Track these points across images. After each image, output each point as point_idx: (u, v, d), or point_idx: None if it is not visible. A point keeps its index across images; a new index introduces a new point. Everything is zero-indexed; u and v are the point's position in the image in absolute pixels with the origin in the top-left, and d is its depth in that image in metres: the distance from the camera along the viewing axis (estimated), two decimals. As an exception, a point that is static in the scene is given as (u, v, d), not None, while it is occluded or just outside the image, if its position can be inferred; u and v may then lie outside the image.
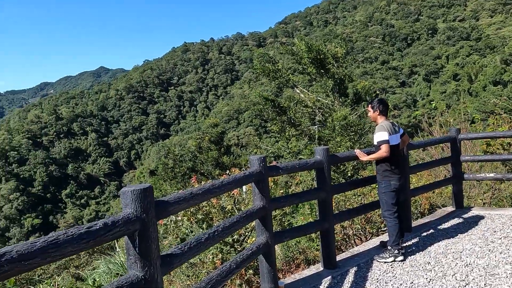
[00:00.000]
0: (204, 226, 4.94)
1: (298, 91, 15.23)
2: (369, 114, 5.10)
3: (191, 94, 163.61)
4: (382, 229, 6.41)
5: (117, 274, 5.53)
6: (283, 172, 4.34)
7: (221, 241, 4.77)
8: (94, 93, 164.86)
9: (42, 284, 3.28)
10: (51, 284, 3.17)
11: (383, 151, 4.67)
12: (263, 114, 14.77)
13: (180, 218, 5.03)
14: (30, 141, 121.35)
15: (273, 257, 4.02)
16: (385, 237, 5.50)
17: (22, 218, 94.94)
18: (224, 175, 6.06)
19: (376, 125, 4.92)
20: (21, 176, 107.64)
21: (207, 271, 5.15)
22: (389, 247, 4.78)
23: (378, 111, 4.91)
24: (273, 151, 14.12)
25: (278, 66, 14.82)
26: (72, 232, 1.98)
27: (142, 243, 2.38)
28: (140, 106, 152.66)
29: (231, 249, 5.05)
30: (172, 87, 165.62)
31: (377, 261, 4.76)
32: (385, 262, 4.70)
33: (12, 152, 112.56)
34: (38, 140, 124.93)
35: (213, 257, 4.80)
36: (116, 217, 2.26)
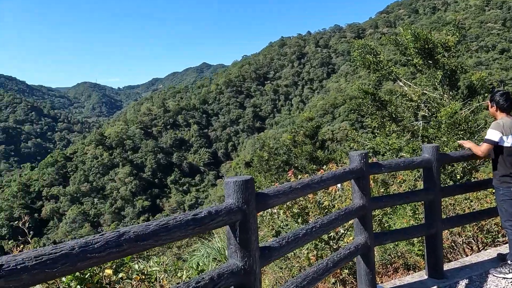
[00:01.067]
0: (299, 220, 4.91)
1: (401, 84, 14.20)
2: (489, 109, 4.51)
3: (286, 88, 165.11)
4: (499, 240, 5.66)
5: (215, 258, 5.84)
6: (386, 170, 4.07)
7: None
8: (196, 88, 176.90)
9: (151, 261, 3.61)
10: (160, 263, 3.46)
11: (481, 150, 4.19)
12: (361, 109, 14.11)
13: (275, 211, 5.07)
14: (142, 131, 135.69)
15: (372, 259, 3.81)
16: (503, 249, 4.84)
17: (134, 199, 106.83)
18: (321, 170, 5.95)
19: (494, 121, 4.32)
20: (134, 162, 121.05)
21: (300, 266, 5.12)
22: (509, 261, 4.19)
23: (495, 106, 4.29)
24: (372, 147, 13.38)
25: (379, 57, 13.97)
26: (180, 218, 2.10)
27: (242, 233, 2.43)
28: (237, 100, 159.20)
29: (326, 246, 4.94)
30: (268, 81, 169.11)
31: (493, 275, 4.20)
32: (504, 278, 4.12)
33: (128, 140, 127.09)
34: (149, 130, 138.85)
35: (308, 253, 4.75)
36: (219, 206, 2.34)
